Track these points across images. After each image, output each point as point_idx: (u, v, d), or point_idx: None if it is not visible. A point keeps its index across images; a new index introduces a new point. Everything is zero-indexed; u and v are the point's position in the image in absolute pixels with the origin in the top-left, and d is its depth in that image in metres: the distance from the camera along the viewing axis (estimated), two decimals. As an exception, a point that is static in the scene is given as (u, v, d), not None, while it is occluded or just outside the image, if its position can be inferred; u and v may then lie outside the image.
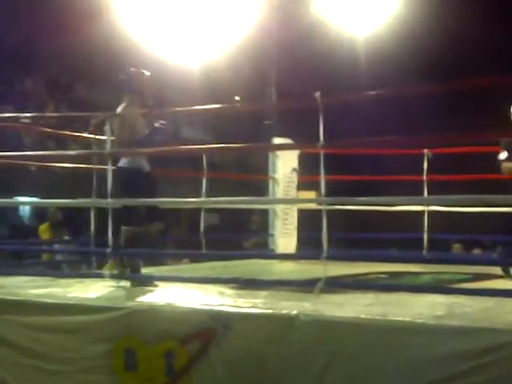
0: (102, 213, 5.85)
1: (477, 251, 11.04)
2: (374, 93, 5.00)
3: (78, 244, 9.51)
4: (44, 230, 10.90)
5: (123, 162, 5.75)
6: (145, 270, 6.35)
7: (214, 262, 7.67)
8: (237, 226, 12.62)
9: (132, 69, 5.88)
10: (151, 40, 9.07)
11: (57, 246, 10.03)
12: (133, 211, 5.71)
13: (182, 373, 4.31)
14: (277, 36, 9.80)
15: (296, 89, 9.09)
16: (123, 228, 5.72)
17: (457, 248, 11.42)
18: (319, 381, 3.94)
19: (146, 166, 5.79)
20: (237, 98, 7.65)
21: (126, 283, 5.55)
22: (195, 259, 8.78)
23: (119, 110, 5.78)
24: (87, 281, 5.82)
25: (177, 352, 4.32)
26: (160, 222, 6.04)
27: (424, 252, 8.28)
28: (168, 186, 8.93)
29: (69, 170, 8.83)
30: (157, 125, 5.68)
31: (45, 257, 9.42)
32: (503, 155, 6.50)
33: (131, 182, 5.61)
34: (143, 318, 4.51)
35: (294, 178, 8.25)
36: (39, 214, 13.21)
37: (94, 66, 13.31)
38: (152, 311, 4.55)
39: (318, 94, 4.54)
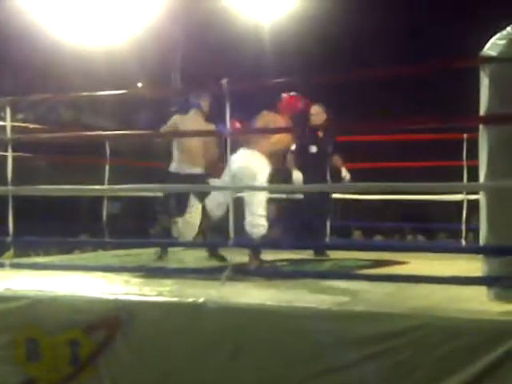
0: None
1: (377, 238, 11.30)
2: (282, 80, 5.02)
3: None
4: None
5: None
6: (50, 259, 6.25)
7: (118, 250, 7.56)
8: (139, 214, 12.48)
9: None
10: (52, 21, 8.82)
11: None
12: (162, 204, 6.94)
13: (87, 362, 4.24)
14: (182, 22, 9.72)
15: (201, 75, 9.05)
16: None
17: (357, 235, 11.64)
18: (228, 368, 3.94)
19: (185, 168, 6.77)
20: (139, 85, 7.55)
21: (27, 272, 5.42)
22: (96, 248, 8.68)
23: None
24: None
25: (81, 341, 4.25)
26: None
27: (327, 239, 8.40)
28: (69, 174, 8.76)
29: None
30: None
31: None
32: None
33: (167, 182, 6.65)
34: (45, 308, 4.41)
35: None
36: None
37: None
38: (54, 300, 4.45)
39: (224, 80, 4.52)
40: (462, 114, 4.56)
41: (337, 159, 7.80)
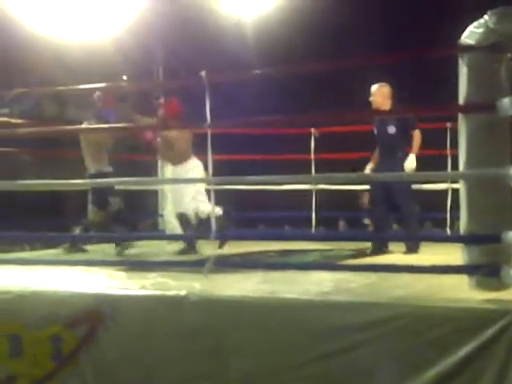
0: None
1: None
2: (259, 72, 5.01)
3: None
4: None
5: None
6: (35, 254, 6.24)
7: (103, 244, 7.56)
8: (127, 207, 12.41)
9: None
10: (32, 15, 8.75)
11: None
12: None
13: (70, 357, 4.24)
14: (164, 15, 9.68)
15: (184, 69, 9.03)
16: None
17: (342, 225, 11.66)
18: (209, 360, 3.95)
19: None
20: (124, 78, 7.53)
21: (10, 267, 5.40)
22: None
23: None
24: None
25: (64, 336, 4.24)
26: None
27: (312, 230, 8.42)
28: (53, 168, 8.71)
29: None
30: None
31: None
32: None
33: None
34: (26, 303, 4.41)
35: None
36: None
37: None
38: (36, 295, 4.44)
39: (203, 72, 4.51)
40: (444, 103, 4.56)
41: (416, 138, 6.90)
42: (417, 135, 6.89)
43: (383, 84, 7.05)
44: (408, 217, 6.89)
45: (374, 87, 7.05)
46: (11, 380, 4.39)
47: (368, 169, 7.07)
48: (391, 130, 6.92)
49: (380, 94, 6.98)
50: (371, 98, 7.03)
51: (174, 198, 7.40)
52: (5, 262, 5.56)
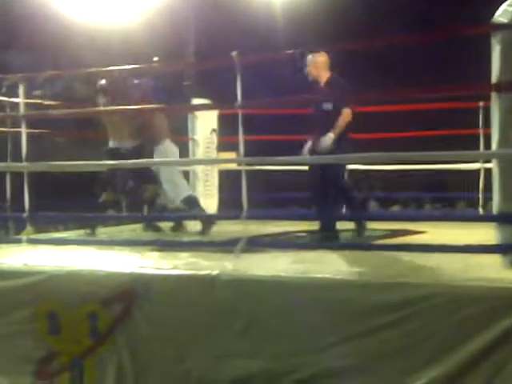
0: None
1: (395, 208, 11.30)
2: (290, 52, 5.00)
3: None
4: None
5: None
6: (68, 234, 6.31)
7: (135, 224, 7.62)
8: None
9: None
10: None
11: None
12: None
13: (106, 334, 4.31)
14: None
15: (214, 50, 9.06)
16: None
17: (373, 205, 11.64)
18: (242, 339, 3.98)
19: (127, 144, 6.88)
20: (155, 59, 7.55)
21: (44, 247, 5.48)
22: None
23: None
24: (4, 246, 5.72)
25: (100, 314, 4.32)
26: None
27: (344, 210, 8.39)
28: (86, 149, 8.80)
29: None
30: None
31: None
32: None
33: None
34: (63, 282, 4.49)
35: (214, 139, 8.22)
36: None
37: (3, 28, 12.86)
38: (71, 275, 4.52)
39: (234, 53, 4.52)
40: (476, 82, 4.52)
41: (343, 117, 6.07)
42: (345, 114, 6.09)
43: (318, 53, 6.22)
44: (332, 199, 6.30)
45: (309, 57, 6.25)
46: (52, 356, 4.49)
47: (307, 149, 6.33)
48: (327, 106, 6.11)
49: (314, 65, 6.22)
50: (307, 69, 6.25)
51: (175, 181, 6.97)
52: (39, 243, 5.64)
